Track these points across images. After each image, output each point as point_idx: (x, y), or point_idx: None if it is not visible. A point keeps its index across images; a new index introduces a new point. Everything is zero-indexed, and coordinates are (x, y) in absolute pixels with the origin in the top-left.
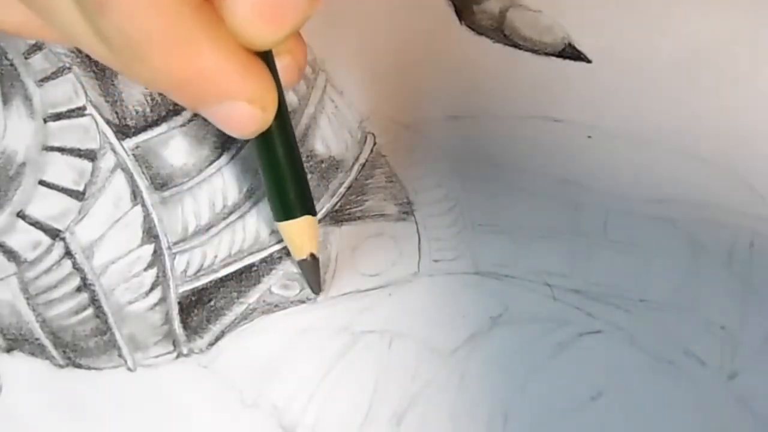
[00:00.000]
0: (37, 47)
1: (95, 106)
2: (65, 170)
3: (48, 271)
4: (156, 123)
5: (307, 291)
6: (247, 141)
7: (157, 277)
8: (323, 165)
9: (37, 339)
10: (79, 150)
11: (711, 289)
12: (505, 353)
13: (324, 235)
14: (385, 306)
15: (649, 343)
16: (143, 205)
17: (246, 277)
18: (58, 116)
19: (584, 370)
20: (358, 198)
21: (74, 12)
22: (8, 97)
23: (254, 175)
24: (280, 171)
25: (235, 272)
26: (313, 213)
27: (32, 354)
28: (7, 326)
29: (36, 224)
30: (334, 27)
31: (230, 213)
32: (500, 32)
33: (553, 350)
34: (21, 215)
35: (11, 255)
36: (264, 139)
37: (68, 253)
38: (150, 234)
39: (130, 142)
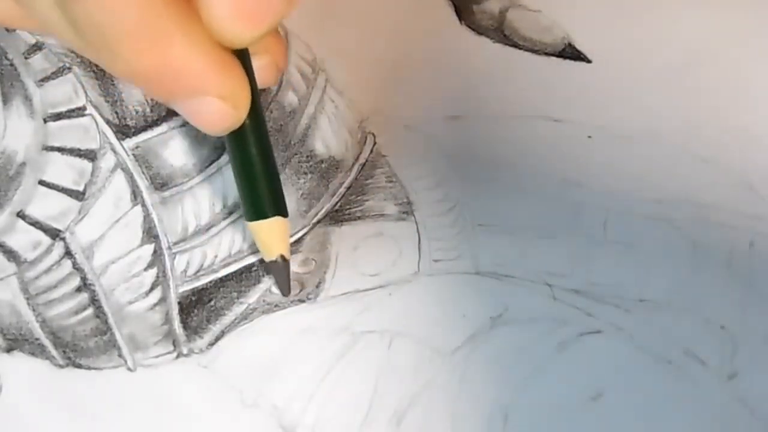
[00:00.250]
0: (37, 47)
1: (95, 106)
2: (65, 170)
3: (48, 271)
4: (156, 123)
5: (307, 291)
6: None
7: (157, 277)
8: (323, 165)
9: (37, 339)
10: (79, 150)
11: (711, 289)
12: (505, 353)
13: (324, 235)
14: (385, 306)
15: (649, 343)
16: (143, 205)
17: (246, 277)
18: (58, 116)
19: (584, 370)
20: (358, 198)
21: (50, 1)
22: (8, 97)
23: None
24: (252, 170)
25: (235, 272)
26: (285, 214)
27: (32, 354)
28: (7, 326)
29: (36, 224)
30: (334, 27)
31: (230, 213)
32: (500, 32)
33: (553, 350)
34: (21, 215)
35: (11, 255)
36: (236, 137)
37: (68, 253)
38: (150, 234)
39: (130, 142)
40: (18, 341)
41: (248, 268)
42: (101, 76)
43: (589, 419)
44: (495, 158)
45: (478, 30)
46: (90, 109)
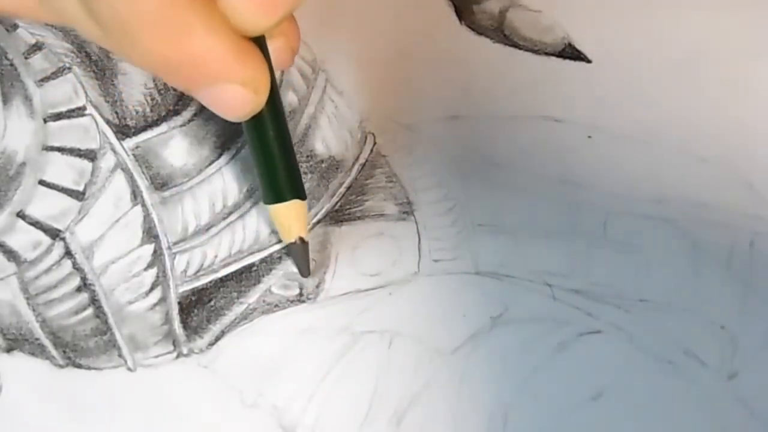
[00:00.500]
0: (37, 47)
1: (95, 106)
2: (65, 170)
3: (48, 271)
4: (156, 123)
5: (307, 291)
6: (246, 142)
7: (157, 277)
8: (323, 165)
9: (37, 339)
10: (79, 150)
11: (711, 289)
12: (505, 353)
13: (324, 235)
14: (385, 306)
15: (649, 343)
16: (143, 205)
17: (246, 277)
18: (58, 116)
19: (584, 370)
20: (358, 198)
21: None
22: (8, 97)
23: (254, 175)
24: (270, 154)
25: (235, 272)
26: (303, 197)
27: (32, 354)
28: (7, 326)
29: (36, 224)
30: (335, 27)
31: (230, 213)
32: (500, 32)
33: (553, 350)
34: (21, 215)
35: (11, 255)
36: (255, 122)
37: (68, 253)
38: (150, 234)
39: (130, 142)
40: (18, 341)
41: (248, 268)
42: (101, 76)
43: (589, 419)
44: (495, 158)
45: (478, 30)
46: (90, 109)
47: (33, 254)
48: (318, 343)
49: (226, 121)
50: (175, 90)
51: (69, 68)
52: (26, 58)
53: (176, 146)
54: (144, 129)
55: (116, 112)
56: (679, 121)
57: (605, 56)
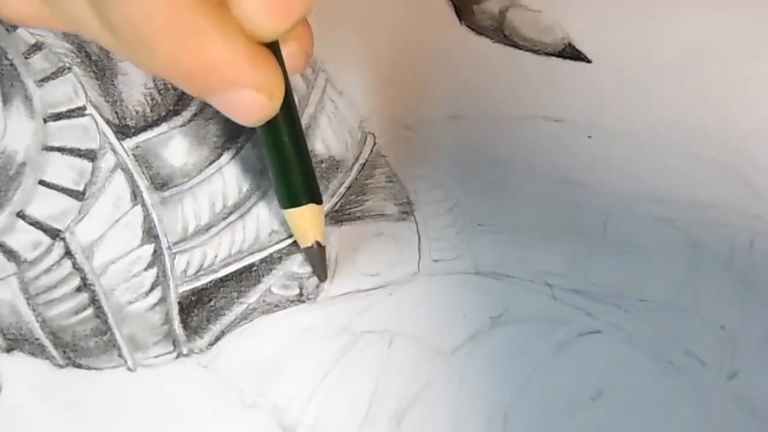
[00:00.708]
0: (37, 47)
1: (95, 106)
2: (65, 170)
3: (48, 271)
4: (156, 123)
5: (307, 291)
6: (247, 140)
7: (157, 277)
8: (323, 165)
9: (37, 339)
10: (79, 150)
11: (711, 289)
12: (505, 353)
13: None
14: (385, 306)
15: (649, 343)
16: (143, 205)
17: (246, 277)
18: (58, 116)
19: (584, 370)
20: (358, 198)
21: (82, 0)
22: (8, 97)
23: (254, 175)
24: (286, 158)
25: (235, 272)
26: (319, 201)
27: (32, 354)
28: (7, 326)
29: (36, 224)
30: (335, 27)
31: (230, 213)
32: (500, 32)
33: (553, 350)
34: (21, 215)
35: (11, 255)
36: (270, 127)
37: (68, 253)
38: (150, 234)
39: (130, 142)
40: (18, 341)
41: (248, 268)
42: (101, 76)
43: (589, 419)
44: (495, 158)
45: (478, 30)
46: (90, 109)
47: (33, 254)
48: (318, 343)
49: (226, 122)
50: (175, 90)
51: (69, 68)
52: (26, 58)
53: (176, 146)
54: (144, 129)
55: (116, 112)
56: (679, 121)
57: (605, 56)
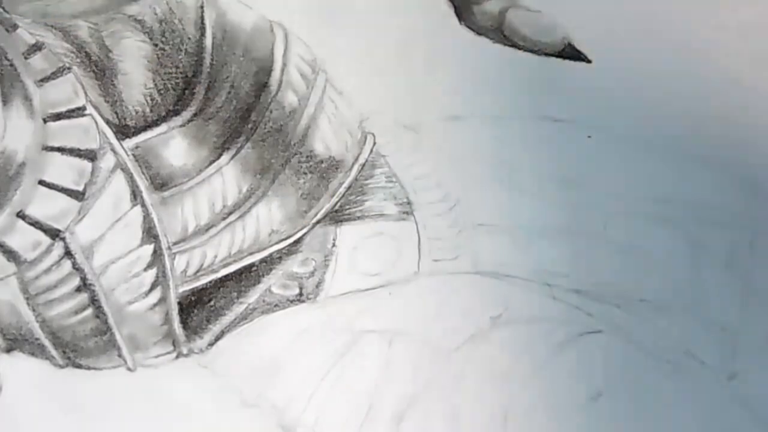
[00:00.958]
0: (37, 47)
1: (95, 106)
2: (65, 170)
3: (48, 271)
4: (156, 123)
5: (307, 291)
6: (247, 140)
7: (157, 277)
8: (323, 165)
9: (37, 339)
10: (79, 150)
11: (711, 289)
12: (505, 353)
13: (324, 235)
14: (385, 306)
15: (649, 343)
16: (143, 205)
17: (246, 277)
18: (57, 116)
19: (584, 370)
20: (358, 198)
21: None
22: (8, 97)
23: (254, 175)
24: None
25: (234, 272)
26: None
27: (32, 354)
28: (7, 326)
29: (36, 224)
30: (335, 27)
31: (230, 213)
32: (500, 32)
33: (553, 350)
34: (21, 215)
35: (11, 255)
36: None
37: (68, 253)
38: (150, 234)
39: (129, 142)
40: (18, 341)
41: (248, 268)
42: (101, 76)
43: (589, 419)
44: (495, 158)
45: (478, 30)
46: (90, 109)
47: (33, 254)
48: (318, 343)
49: (226, 121)
50: (175, 90)
51: (69, 68)
52: (26, 58)
53: (176, 146)
54: (144, 129)
55: (116, 112)
56: (679, 122)
57: (605, 56)
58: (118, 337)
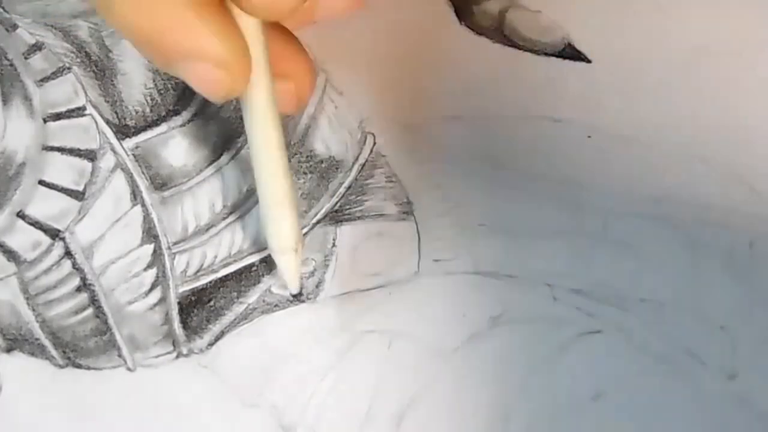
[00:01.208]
0: (36, 47)
1: (95, 106)
2: (65, 170)
3: (48, 271)
4: (156, 123)
5: (307, 291)
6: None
7: (157, 277)
8: (323, 165)
9: (37, 339)
10: (79, 150)
11: (711, 289)
12: (505, 353)
13: (324, 235)
14: (385, 306)
15: (649, 343)
16: (143, 205)
17: (246, 277)
18: (57, 116)
19: (584, 370)
20: (358, 198)
21: None
22: (8, 97)
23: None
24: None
25: (234, 272)
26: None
27: (32, 354)
28: (7, 326)
29: (36, 224)
30: (334, 27)
31: (230, 213)
32: (500, 32)
33: (553, 350)
34: (21, 215)
35: (11, 255)
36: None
37: (68, 253)
38: (150, 234)
39: (129, 142)
40: (18, 341)
41: (248, 268)
42: (101, 76)
43: (589, 419)
44: (495, 158)
45: (478, 30)
46: (90, 109)
47: (33, 254)
48: (318, 343)
49: (226, 121)
50: (175, 90)
51: (69, 68)
52: (26, 58)
53: (176, 146)
54: (144, 129)
55: (116, 112)
56: (679, 121)
57: (605, 56)
58: (118, 337)
